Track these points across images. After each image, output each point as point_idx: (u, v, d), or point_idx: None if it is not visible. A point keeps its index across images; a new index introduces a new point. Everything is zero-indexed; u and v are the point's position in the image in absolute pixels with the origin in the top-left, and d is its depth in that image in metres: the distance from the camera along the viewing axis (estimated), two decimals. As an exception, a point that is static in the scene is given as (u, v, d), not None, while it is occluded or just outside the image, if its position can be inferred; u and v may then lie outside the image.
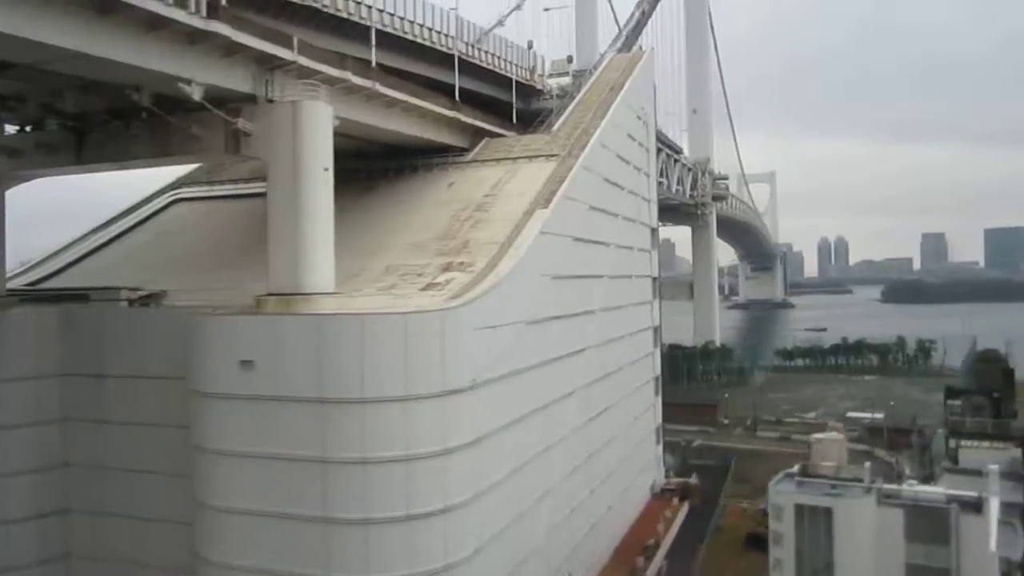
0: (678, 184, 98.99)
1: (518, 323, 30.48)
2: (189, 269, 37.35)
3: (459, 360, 25.91)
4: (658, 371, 57.25)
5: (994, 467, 31.62)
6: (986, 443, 35.55)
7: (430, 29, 39.66)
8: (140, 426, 29.83)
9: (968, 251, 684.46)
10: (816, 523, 30.72)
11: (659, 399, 57.19)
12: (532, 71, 58.05)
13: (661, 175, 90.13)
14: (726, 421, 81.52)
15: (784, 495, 31.11)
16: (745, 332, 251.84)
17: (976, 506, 29.19)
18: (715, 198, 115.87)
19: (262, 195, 43.64)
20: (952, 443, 37.16)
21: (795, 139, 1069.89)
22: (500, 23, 79.02)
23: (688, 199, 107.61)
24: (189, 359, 26.68)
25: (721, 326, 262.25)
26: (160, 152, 30.35)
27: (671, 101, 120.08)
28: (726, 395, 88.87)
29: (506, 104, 52.38)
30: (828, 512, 30.59)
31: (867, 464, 33.95)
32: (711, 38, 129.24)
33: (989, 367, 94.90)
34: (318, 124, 28.18)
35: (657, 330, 57.05)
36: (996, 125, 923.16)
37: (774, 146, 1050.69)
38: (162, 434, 28.89)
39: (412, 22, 38.16)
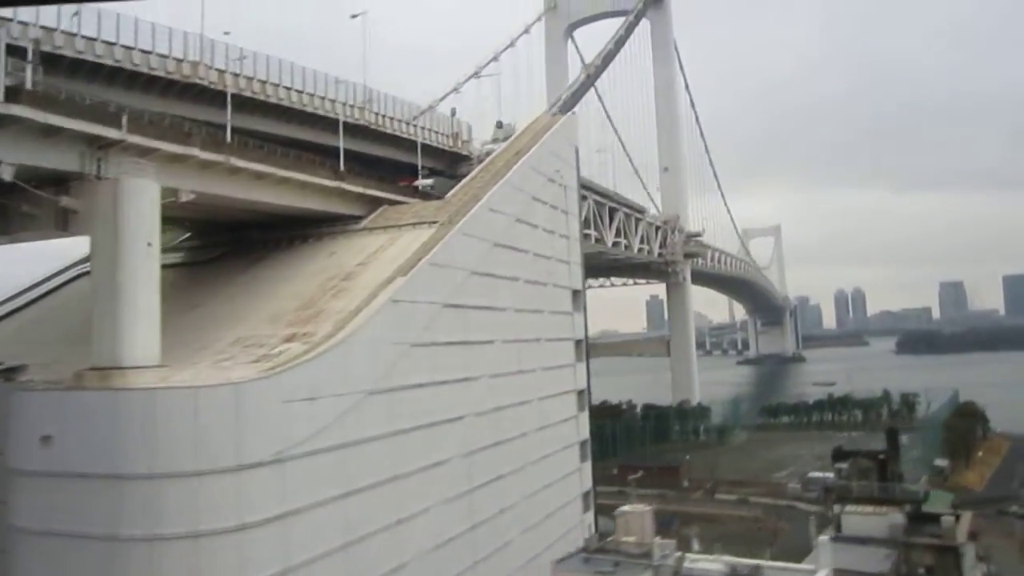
0: (642, 243, 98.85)
1: (355, 393, 30.19)
2: (69, 343, 37.49)
3: (259, 433, 25.62)
4: (585, 435, 56.24)
5: (824, 538, 30.47)
6: (869, 508, 34.23)
7: (300, 92, 40.20)
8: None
9: (988, 299, 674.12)
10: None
11: (587, 464, 56.00)
12: (456, 137, 59.13)
13: (620, 235, 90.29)
14: (686, 484, 79.74)
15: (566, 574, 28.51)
16: (753, 387, 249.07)
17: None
18: (688, 256, 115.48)
19: (183, 264, 45.09)
20: (836, 508, 35.89)
21: (809, 191, 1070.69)
22: (456, 89, 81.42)
23: (657, 257, 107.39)
24: (3, 434, 26.66)
25: (729, 382, 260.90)
26: (2, 231, 30.84)
27: (643, 161, 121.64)
28: (687, 457, 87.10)
29: (424, 169, 53.25)
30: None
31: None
32: (683, 98, 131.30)
33: (960, 420, 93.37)
34: (141, 200, 28.54)
35: (583, 393, 56.33)
36: (1015, 171, 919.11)
37: (789, 199, 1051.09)
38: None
39: (279, 86, 38.80)
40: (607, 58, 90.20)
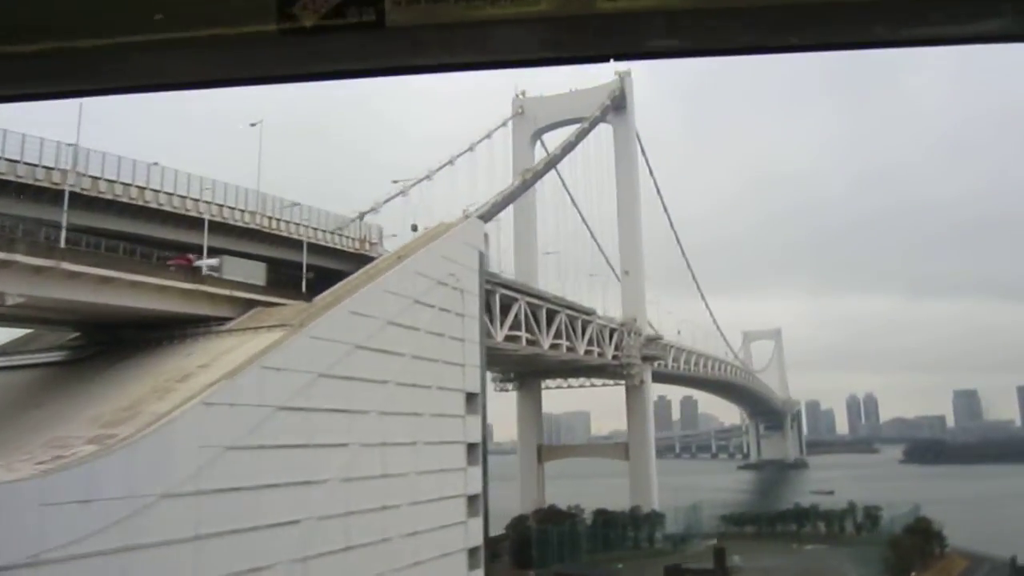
0: (591, 345, 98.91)
1: (144, 496, 30.23)
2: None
3: (12, 535, 25.67)
4: (478, 541, 55.33)
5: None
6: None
7: (157, 191, 41.54)
8: None
9: (1004, 409, 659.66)
10: None
11: (477, 572, 54.90)
12: (363, 240, 60.61)
13: (564, 337, 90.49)
14: (614, 595, 77.42)
15: None
16: (749, 494, 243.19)
17: None
18: (647, 358, 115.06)
19: (57, 364, 45.87)
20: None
21: (822, 295, 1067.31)
22: (403, 192, 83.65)
23: (612, 360, 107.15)
24: None
25: (726, 488, 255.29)
26: None
27: (601, 264, 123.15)
28: (619, 566, 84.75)
29: (322, 270, 54.54)
30: None
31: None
32: (653, 201, 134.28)
33: (908, 537, 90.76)
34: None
35: (475, 498, 55.68)
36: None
37: (801, 304, 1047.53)
38: None
39: (131, 186, 40.14)
40: (549, 164, 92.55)
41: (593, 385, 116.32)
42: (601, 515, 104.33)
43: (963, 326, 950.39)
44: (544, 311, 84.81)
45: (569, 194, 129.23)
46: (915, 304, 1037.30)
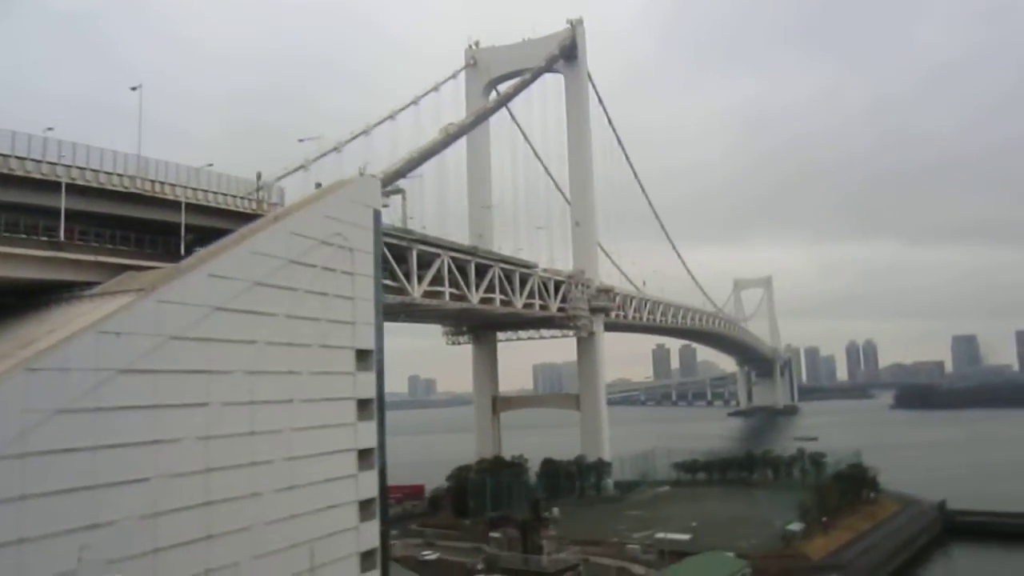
0: (530, 298, 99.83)
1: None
2: None
3: None
4: (371, 493, 56.76)
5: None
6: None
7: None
8: None
9: (1003, 353, 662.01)
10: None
11: (372, 523, 56.40)
12: (260, 201, 61.00)
13: (495, 291, 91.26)
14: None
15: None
16: (733, 441, 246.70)
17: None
18: (596, 310, 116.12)
19: None
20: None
21: (824, 242, 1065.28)
22: (337, 149, 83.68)
23: (557, 312, 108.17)
24: None
25: (712, 435, 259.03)
26: None
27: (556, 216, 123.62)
28: (546, 514, 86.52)
29: (217, 232, 55.02)
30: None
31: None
32: (615, 154, 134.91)
33: (838, 483, 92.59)
34: None
35: (368, 452, 56.96)
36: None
37: (802, 251, 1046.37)
38: None
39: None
40: (478, 118, 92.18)
41: (542, 337, 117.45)
42: (548, 464, 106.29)
43: (963, 270, 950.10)
44: (473, 265, 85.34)
45: (532, 147, 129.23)
46: (915, 248, 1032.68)
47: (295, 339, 51.24)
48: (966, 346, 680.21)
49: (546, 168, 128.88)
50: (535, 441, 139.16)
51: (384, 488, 59.14)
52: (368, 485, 56.82)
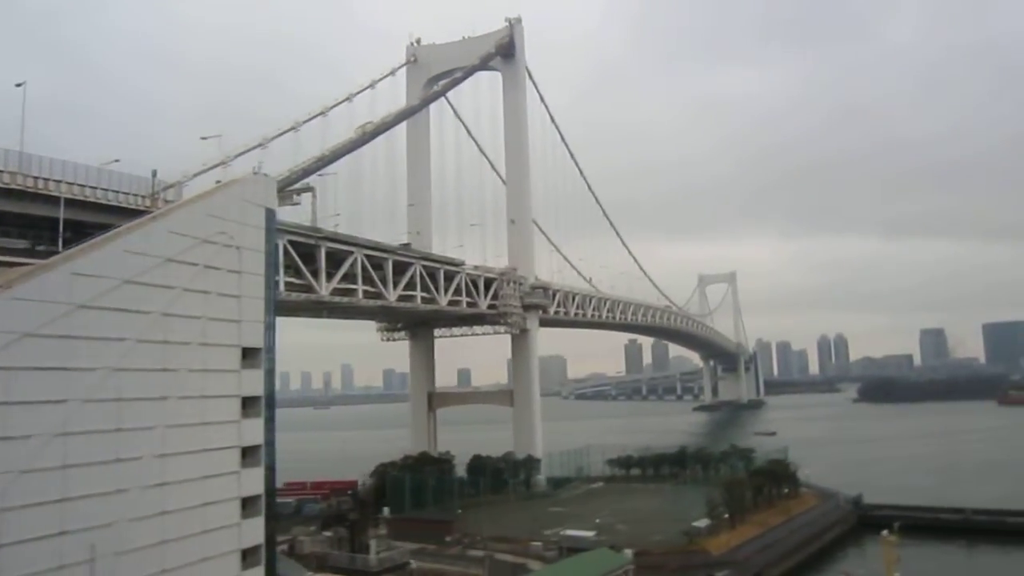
0: (457, 295, 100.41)
1: None
2: None
3: None
4: (256, 490, 57.12)
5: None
6: None
7: None
8: None
9: (971, 347, 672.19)
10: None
11: (256, 520, 56.79)
12: (154, 198, 61.30)
13: (416, 288, 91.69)
14: (448, 539, 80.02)
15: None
16: (693, 436, 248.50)
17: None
18: (530, 307, 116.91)
19: None
20: None
21: (797, 237, 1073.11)
22: (262, 145, 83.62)
23: (488, 309, 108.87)
24: None
25: (672, 430, 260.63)
26: None
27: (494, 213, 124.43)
28: (459, 511, 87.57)
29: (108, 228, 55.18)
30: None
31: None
32: (559, 152, 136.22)
33: (753, 479, 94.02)
34: None
35: (254, 449, 57.38)
36: (1001, 221, 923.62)
37: (778, 245, 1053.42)
38: None
39: None
40: (399, 117, 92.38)
41: (475, 334, 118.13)
42: (476, 460, 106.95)
43: (933, 264, 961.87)
44: (390, 263, 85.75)
45: (477, 144, 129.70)
46: (888, 244, 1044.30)
47: (172, 337, 51.46)
48: (934, 339, 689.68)
49: (493, 165, 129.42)
50: (478, 437, 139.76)
51: (271, 485, 59.66)
52: (252, 482, 57.19)
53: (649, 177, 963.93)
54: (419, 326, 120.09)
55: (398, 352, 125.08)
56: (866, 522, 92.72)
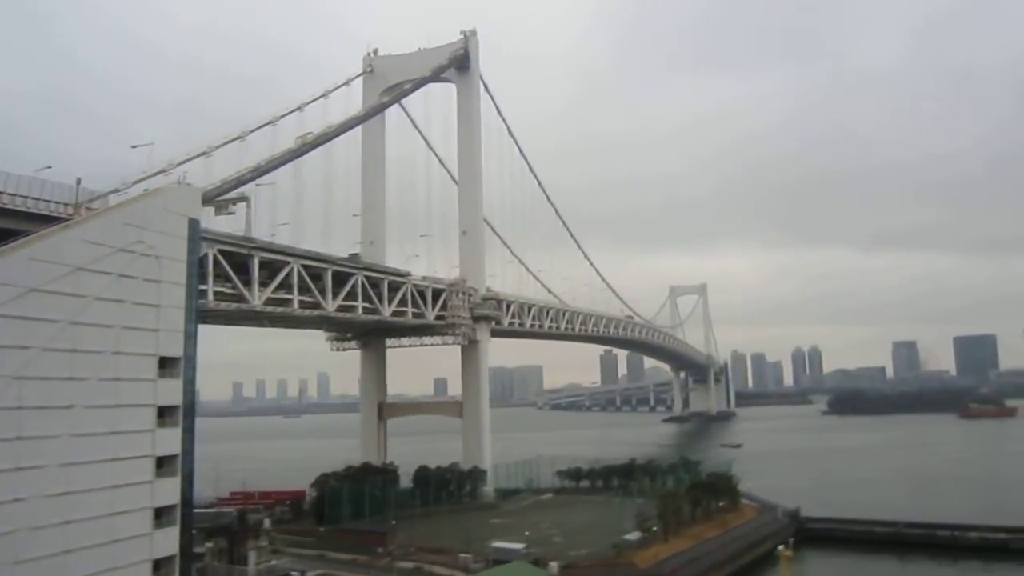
0: (402, 306, 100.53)
1: None
2: None
3: None
4: (171, 500, 57.06)
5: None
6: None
7: None
8: None
9: (943, 359, 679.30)
10: None
11: (169, 530, 56.67)
12: (77, 207, 61.20)
13: (358, 298, 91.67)
14: (380, 550, 79.98)
15: None
16: (664, 447, 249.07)
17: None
18: (480, 318, 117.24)
19: None
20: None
21: (776, 251, 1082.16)
22: (205, 153, 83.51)
23: (435, 320, 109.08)
24: None
25: (637, 441, 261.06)
26: None
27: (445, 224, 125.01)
28: (393, 522, 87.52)
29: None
30: None
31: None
32: (515, 162, 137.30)
33: (691, 492, 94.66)
34: None
35: (171, 459, 57.33)
36: (977, 237, 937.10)
37: (756, 259, 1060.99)
38: None
39: None
40: (341, 128, 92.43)
41: (424, 345, 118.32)
42: (421, 471, 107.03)
43: (907, 277, 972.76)
44: (330, 273, 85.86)
45: (436, 156, 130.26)
46: (867, 258, 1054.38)
47: (81, 345, 51.45)
48: (906, 352, 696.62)
49: (453, 177, 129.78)
50: (436, 448, 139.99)
51: (188, 495, 59.53)
52: (167, 492, 57.12)
53: (640, 187, 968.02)
54: (370, 336, 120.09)
55: (391, 362, 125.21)
56: (803, 535, 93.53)
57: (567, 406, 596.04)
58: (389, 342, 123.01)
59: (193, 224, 62.18)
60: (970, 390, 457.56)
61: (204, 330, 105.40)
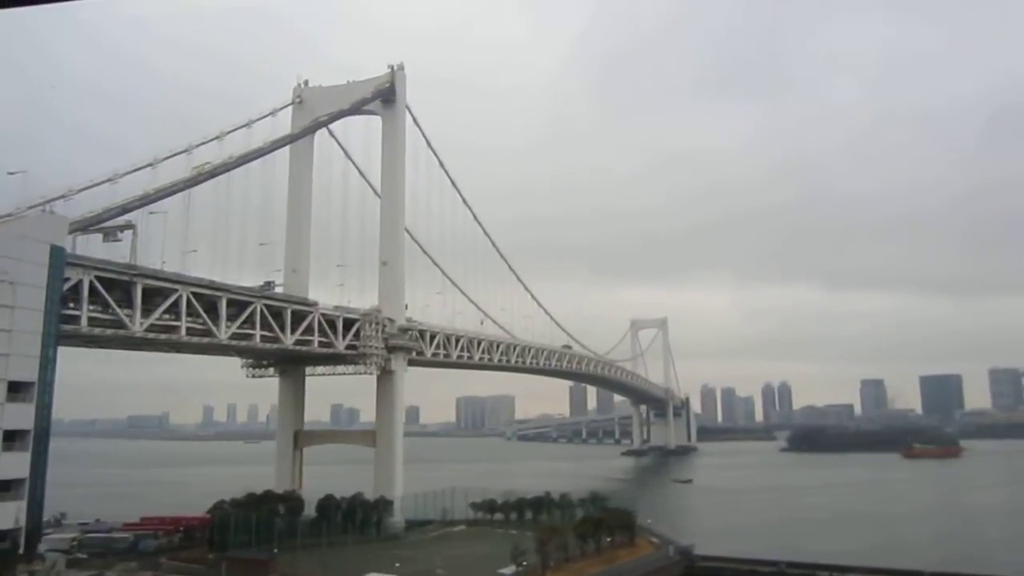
0: (308, 334, 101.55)
1: None
2: None
3: None
4: (8, 524, 57.64)
5: None
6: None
7: None
8: None
9: (910, 398, 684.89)
10: None
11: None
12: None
13: (256, 327, 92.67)
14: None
15: None
16: (620, 482, 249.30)
17: None
18: (395, 348, 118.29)
19: None
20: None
21: (747, 287, 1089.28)
22: (112, 180, 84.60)
23: (346, 350, 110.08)
24: None
25: (597, 476, 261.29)
26: None
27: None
28: (275, 551, 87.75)
29: None
30: None
31: None
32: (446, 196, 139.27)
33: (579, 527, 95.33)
34: None
35: (17, 483, 57.98)
36: (939, 275, 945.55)
37: (728, 294, 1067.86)
38: None
39: None
40: (243, 159, 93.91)
41: (336, 373, 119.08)
42: (326, 500, 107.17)
43: (876, 317, 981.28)
44: (224, 301, 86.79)
45: (371, 185, 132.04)
46: (833, 295, 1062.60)
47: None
48: (874, 390, 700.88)
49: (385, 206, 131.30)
50: (357, 477, 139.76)
51: (36, 520, 60.17)
52: (7, 515, 57.74)
53: (608, 223, 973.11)
54: (287, 364, 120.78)
55: (347, 389, 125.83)
56: (692, 572, 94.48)
57: (534, 437, 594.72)
58: (308, 370, 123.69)
59: (56, 251, 63.39)
60: (932, 430, 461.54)
61: (172, 356, 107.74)
